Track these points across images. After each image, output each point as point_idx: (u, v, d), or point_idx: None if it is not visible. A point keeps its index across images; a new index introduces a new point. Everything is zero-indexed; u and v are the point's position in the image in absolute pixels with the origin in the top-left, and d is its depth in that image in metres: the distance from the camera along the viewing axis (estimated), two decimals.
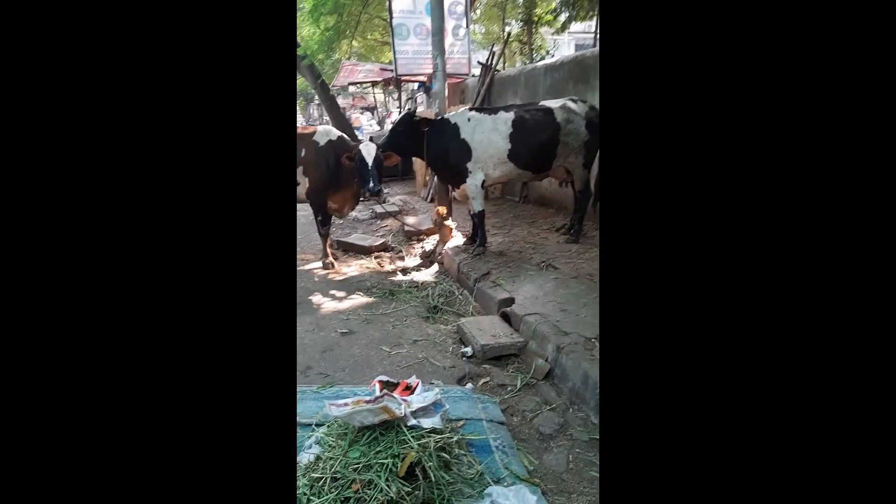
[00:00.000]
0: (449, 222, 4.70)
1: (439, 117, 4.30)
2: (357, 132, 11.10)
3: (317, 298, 3.88)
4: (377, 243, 5.18)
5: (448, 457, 1.87)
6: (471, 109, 4.34)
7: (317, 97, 14.65)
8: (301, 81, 19.15)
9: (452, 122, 4.09)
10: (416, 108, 4.70)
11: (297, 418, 2.21)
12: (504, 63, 8.64)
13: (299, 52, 9.05)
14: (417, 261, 4.77)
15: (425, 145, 4.07)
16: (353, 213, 5.60)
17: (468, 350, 2.95)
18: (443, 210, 4.69)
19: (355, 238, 5.40)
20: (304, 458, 1.89)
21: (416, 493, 1.70)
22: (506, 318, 3.22)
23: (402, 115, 4.18)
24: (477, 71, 7.12)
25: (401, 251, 5.09)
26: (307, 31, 10.39)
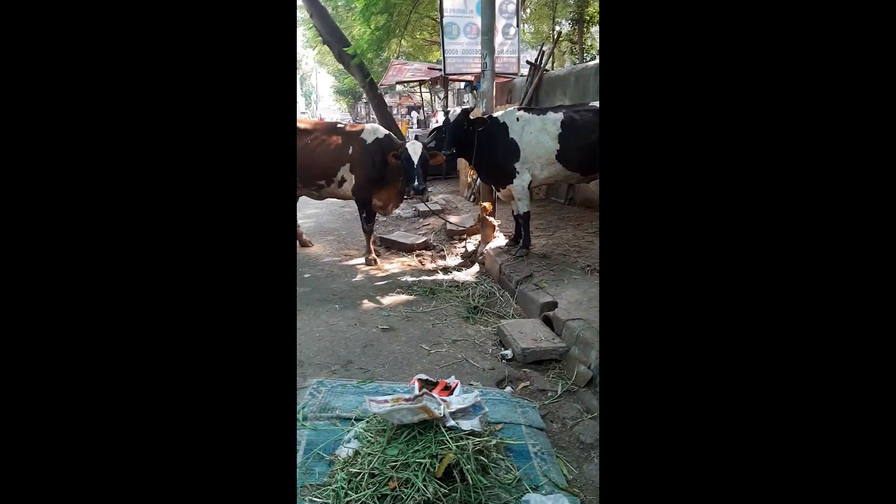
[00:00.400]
0: (492, 219, 4.66)
1: (486, 116, 4.27)
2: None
3: (359, 293, 3.93)
4: (419, 241, 5.20)
5: (486, 460, 1.84)
6: (519, 109, 4.28)
7: (364, 95, 14.87)
8: (349, 79, 19.51)
9: (501, 122, 4.05)
10: (474, 106, 4.61)
11: (338, 412, 2.24)
12: (553, 62, 8.51)
13: (349, 51, 9.20)
14: (459, 260, 4.76)
15: (475, 144, 4.04)
16: (397, 211, 5.64)
17: (508, 353, 2.91)
18: (489, 206, 4.65)
19: (398, 235, 5.45)
20: (342, 451, 1.91)
21: (453, 495, 1.68)
22: (548, 322, 3.16)
23: (458, 112, 4.08)
24: (526, 70, 7.04)
25: (442, 250, 5.10)
26: (358, 31, 10.57)
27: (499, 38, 6.76)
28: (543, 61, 6.54)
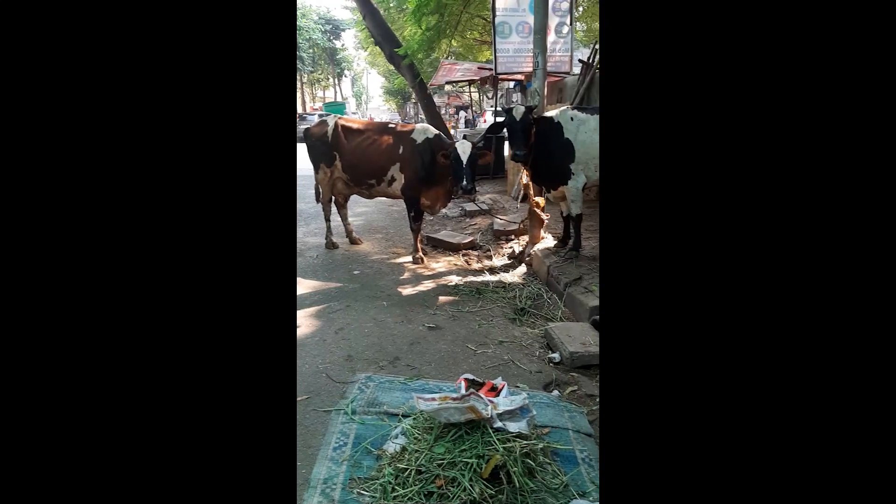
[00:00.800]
0: (542, 214, 4.59)
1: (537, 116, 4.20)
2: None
3: (406, 291, 3.98)
4: (466, 241, 5.21)
5: (533, 464, 1.82)
6: (572, 108, 4.20)
7: (413, 96, 15.03)
8: (399, 80, 19.78)
9: (556, 121, 3.97)
10: (536, 105, 4.38)
11: (385, 407, 2.27)
12: None
13: (400, 52, 9.31)
14: (505, 261, 4.73)
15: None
16: (444, 211, 5.66)
17: (556, 356, 2.86)
18: (542, 201, 4.58)
19: (445, 235, 5.47)
20: (390, 447, 1.94)
21: (500, 497, 1.67)
22: (597, 326, 3.09)
23: (522, 111, 3.93)
24: (578, 69, 6.91)
25: (489, 250, 5.08)
26: (409, 32, 10.67)
27: (551, 37, 6.67)
28: (596, 60, 6.39)
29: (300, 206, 7.28)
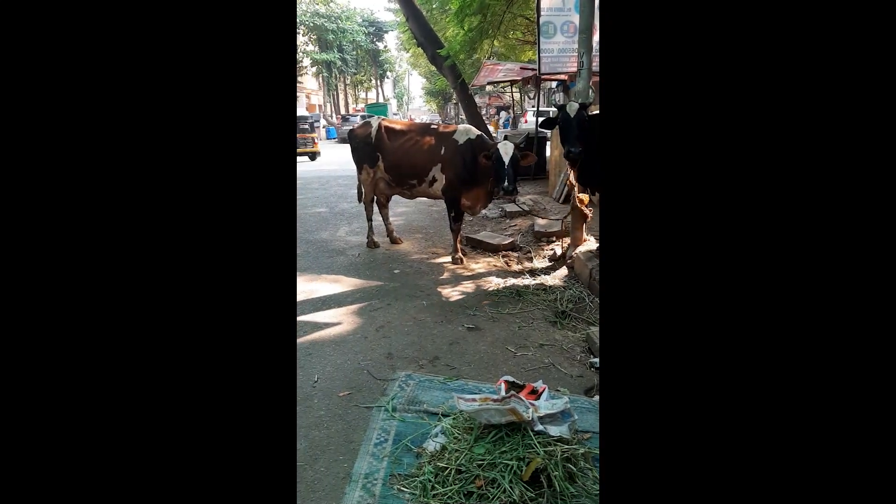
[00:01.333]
0: (587, 209, 4.51)
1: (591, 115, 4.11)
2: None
3: (445, 291, 4.00)
4: (506, 242, 5.18)
5: (574, 469, 1.80)
6: None
7: (454, 97, 15.07)
8: (441, 81, 19.89)
9: None
10: (591, 102, 4.10)
11: (425, 406, 2.29)
12: None
13: (442, 52, 9.36)
14: (546, 263, 4.68)
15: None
16: (484, 211, 5.66)
17: (597, 361, 2.81)
18: (585, 198, 4.50)
19: (484, 235, 5.46)
20: (430, 445, 1.95)
21: (540, 500, 1.66)
22: None
23: (576, 108, 3.74)
24: None
25: (529, 251, 5.04)
26: (451, 33, 10.73)
27: (597, 36, 6.54)
28: None
29: (343, 205, 7.44)
